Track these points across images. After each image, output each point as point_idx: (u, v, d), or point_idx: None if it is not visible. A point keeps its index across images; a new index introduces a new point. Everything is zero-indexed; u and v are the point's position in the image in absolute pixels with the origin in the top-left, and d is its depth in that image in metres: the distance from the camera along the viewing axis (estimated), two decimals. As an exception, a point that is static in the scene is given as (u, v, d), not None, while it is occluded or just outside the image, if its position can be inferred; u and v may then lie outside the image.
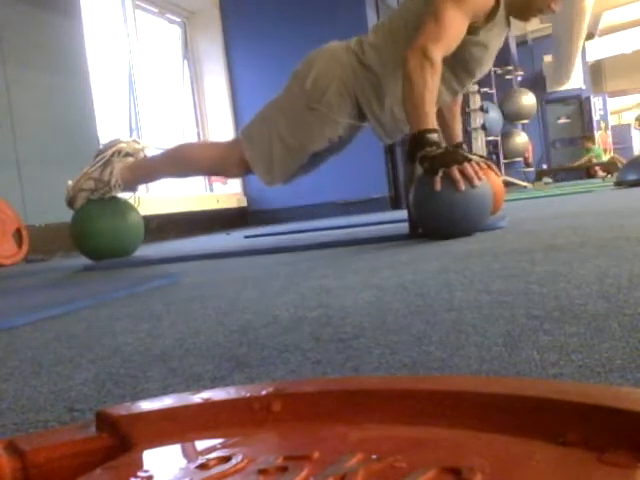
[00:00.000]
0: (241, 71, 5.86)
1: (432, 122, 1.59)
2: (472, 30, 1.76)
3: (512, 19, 1.91)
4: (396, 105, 1.85)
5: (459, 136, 2.22)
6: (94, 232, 2.17)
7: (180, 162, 2.14)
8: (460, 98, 2.26)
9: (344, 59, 1.92)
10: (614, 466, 0.20)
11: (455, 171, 1.50)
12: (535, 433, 0.23)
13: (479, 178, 1.51)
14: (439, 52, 1.64)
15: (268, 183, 2.01)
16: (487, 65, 1.93)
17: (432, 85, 1.61)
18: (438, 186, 1.50)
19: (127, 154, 2.18)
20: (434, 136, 1.57)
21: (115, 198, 2.20)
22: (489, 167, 2.12)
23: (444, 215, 1.53)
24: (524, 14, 1.88)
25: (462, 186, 1.49)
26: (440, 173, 1.51)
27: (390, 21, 1.94)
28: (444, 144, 1.84)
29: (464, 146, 2.21)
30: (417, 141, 1.58)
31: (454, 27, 1.69)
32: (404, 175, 1.72)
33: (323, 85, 1.91)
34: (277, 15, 5.54)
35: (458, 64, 1.83)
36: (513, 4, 1.81)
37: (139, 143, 2.26)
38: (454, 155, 1.56)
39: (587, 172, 9.11)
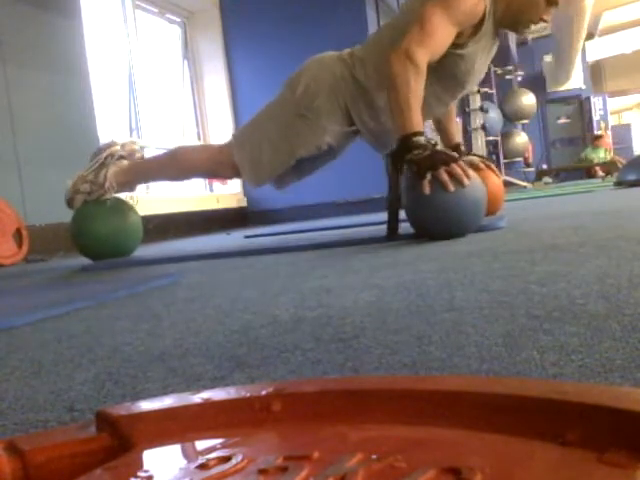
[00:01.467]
0: (241, 71, 5.86)
1: (418, 125, 1.58)
2: (459, 43, 1.76)
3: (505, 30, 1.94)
4: (386, 116, 1.85)
5: (457, 137, 2.23)
6: (92, 232, 2.19)
7: (174, 165, 2.18)
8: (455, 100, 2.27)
9: (336, 69, 1.96)
10: (614, 466, 0.20)
11: (442, 173, 1.49)
12: (535, 433, 0.23)
13: (468, 177, 1.50)
14: (423, 56, 1.64)
15: (253, 184, 2.06)
16: (476, 77, 1.94)
17: (416, 88, 1.61)
18: (427, 190, 1.49)
19: (121, 157, 2.22)
20: (420, 139, 1.56)
21: (114, 198, 2.21)
22: (488, 167, 2.12)
23: (437, 217, 1.53)
24: (515, 26, 1.88)
25: (451, 187, 1.48)
26: (428, 176, 1.50)
27: (377, 36, 1.97)
28: (439, 146, 1.87)
29: (462, 147, 2.21)
30: (404, 145, 1.57)
31: (440, 33, 1.68)
32: (388, 179, 1.71)
33: (314, 93, 1.95)
34: (277, 15, 5.54)
35: (447, 77, 1.84)
36: (504, 17, 1.81)
37: (136, 144, 2.28)
38: (441, 156, 1.55)
39: (587, 172, 9.10)
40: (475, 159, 2.15)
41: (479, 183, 1.57)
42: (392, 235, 1.75)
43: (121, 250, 2.24)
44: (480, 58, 1.85)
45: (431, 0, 1.69)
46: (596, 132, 11.14)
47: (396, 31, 1.83)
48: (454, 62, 1.79)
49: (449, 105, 2.06)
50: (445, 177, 1.49)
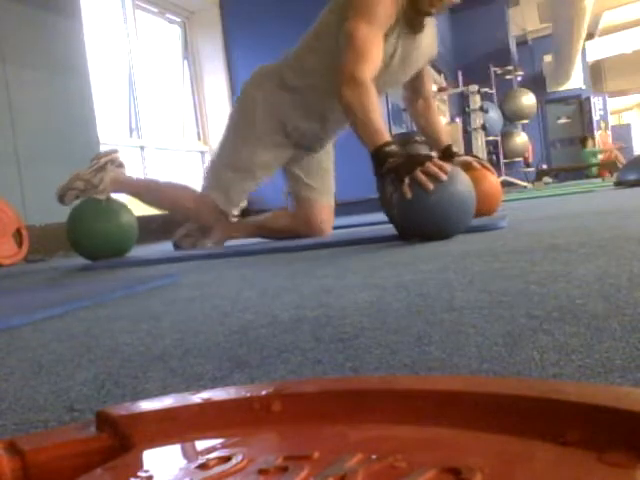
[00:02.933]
0: (241, 71, 5.85)
1: (384, 136, 1.65)
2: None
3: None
4: (330, 115, 2.07)
5: (444, 139, 2.27)
6: (86, 232, 2.22)
7: (160, 200, 2.38)
8: (433, 103, 2.35)
9: (266, 84, 2.17)
10: (614, 466, 0.20)
11: (419, 174, 1.51)
12: (535, 433, 0.23)
13: (445, 172, 1.52)
14: (366, 72, 1.75)
15: (227, 208, 2.26)
16: (411, 61, 2.04)
17: (372, 105, 1.70)
18: (408, 194, 1.52)
19: (120, 165, 2.35)
20: (391, 148, 1.61)
21: (109, 199, 2.26)
22: (483, 166, 2.13)
23: (426, 219, 1.53)
24: (418, 9, 1.95)
25: (430, 185, 1.50)
26: (406, 180, 1.52)
27: (304, 40, 2.14)
28: (433, 148, 1.96)
29: (454, 148, 2.23)
30: (378, 158, 1.62)
31: (371, 45, 1.80)
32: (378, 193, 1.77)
33: (250, 111, 2.16)
34: (277, 15, 5.54)
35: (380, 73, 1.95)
36: (408, 10, 1.90)
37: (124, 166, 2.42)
38: (415, 159, 1.59)
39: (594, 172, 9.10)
40: (469, 158, 2.17)
41: (464, 184, 1.57)
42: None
43: (116, 250, 2.26)
44: (403, 43, 1.96)
45: (351, 16, 1.80)
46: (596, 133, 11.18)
47: (320, 41, 2.02)
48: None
49: (399, 84, 2.16)
50: (422, 177, 1.50)
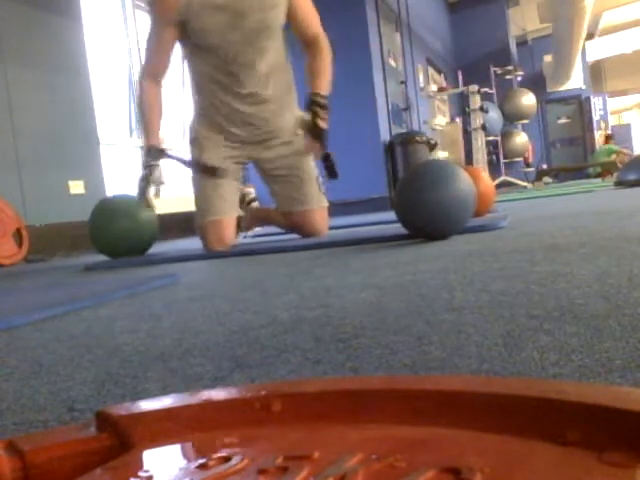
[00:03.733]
0: (241, 71, 5.85)
1: (150, 138, 2.10)
2: (185, 29, 2.03)
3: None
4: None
5: (318, 85, 2.13)
6: (107, 230, 2.28)
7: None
8: (324, 43, 2.22)
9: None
10: (614, 466, 0.20)
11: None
12: (535, 433, 0.23)
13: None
14: (146, 74, 2.08)
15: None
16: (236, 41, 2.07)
17: (144, 104, 2.09)
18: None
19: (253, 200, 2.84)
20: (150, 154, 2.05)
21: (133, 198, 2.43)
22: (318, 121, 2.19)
23: (427, 218, 1.54)
24: None
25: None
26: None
27: None
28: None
29: (319, 99, 2.09)
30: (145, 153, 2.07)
31: (152, 42, 2.07)
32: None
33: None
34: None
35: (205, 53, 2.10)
36: None
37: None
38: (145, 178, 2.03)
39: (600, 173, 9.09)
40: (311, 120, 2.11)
41: (467, 181, 1.57)
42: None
43: (137, 247, 2.32)
44: (212, 18, 2.03)
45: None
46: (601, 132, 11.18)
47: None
48: (197, 39, 2.07)
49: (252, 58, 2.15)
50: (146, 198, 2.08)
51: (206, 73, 2.11)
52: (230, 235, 2.16)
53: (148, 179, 2.05)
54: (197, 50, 2.08)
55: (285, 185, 2.24)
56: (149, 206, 2.14)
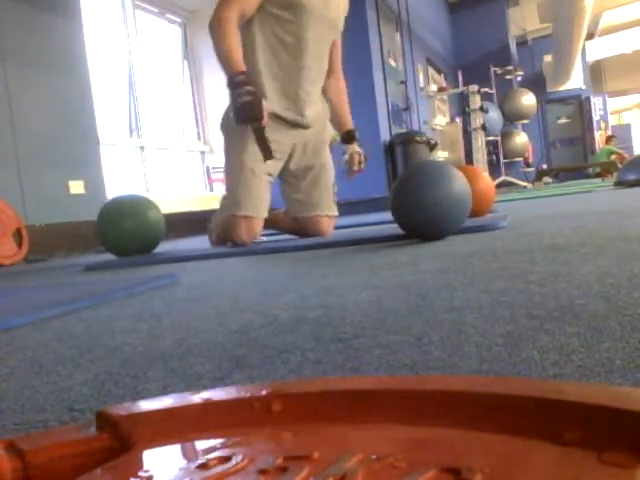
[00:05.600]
0: (241, 71, 5.85)
1: (237, 65, 1.97)
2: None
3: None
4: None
5: (348, 122, 2.39)
6: (115, 229, 2.30)
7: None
8: (343, 81, 2.40)
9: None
10: (614, 466, 0.20)
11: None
12: (535, 433, 0.23)
13: None
14: (229, 12, 2.06)
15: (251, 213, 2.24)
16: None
17: (229, 37, 2.03)
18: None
19: None
20: (241, 78, 1.95)
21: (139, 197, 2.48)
22: (359, 163, 2.34)
23: (423, 218, 1.54)
24: None
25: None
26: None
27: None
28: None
29: (357, 134, 2.35)
30: (231, 83, 1.96)
31: None
32: None
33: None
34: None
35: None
36: None
37: None
38: (252, 113, 1.93)
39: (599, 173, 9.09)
40: (355, 154, 2.33)
41: (462, 182, 1.57)
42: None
43: (144, 246, 2.34)
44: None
45: None
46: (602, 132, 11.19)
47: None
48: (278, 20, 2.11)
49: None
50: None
51: (274, 46, 2.13)
52: (257, 235, 2.18)
53: (255, 108, 1.91)
54: (277, 26, 2.11)
55: (305, 183, 2.27)
56: (267, 148, 2.04)
